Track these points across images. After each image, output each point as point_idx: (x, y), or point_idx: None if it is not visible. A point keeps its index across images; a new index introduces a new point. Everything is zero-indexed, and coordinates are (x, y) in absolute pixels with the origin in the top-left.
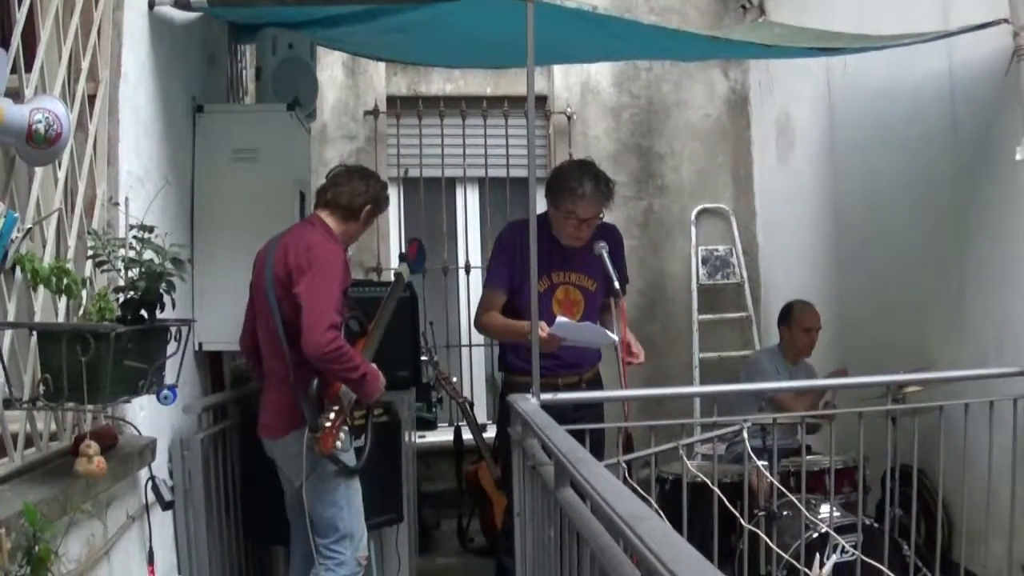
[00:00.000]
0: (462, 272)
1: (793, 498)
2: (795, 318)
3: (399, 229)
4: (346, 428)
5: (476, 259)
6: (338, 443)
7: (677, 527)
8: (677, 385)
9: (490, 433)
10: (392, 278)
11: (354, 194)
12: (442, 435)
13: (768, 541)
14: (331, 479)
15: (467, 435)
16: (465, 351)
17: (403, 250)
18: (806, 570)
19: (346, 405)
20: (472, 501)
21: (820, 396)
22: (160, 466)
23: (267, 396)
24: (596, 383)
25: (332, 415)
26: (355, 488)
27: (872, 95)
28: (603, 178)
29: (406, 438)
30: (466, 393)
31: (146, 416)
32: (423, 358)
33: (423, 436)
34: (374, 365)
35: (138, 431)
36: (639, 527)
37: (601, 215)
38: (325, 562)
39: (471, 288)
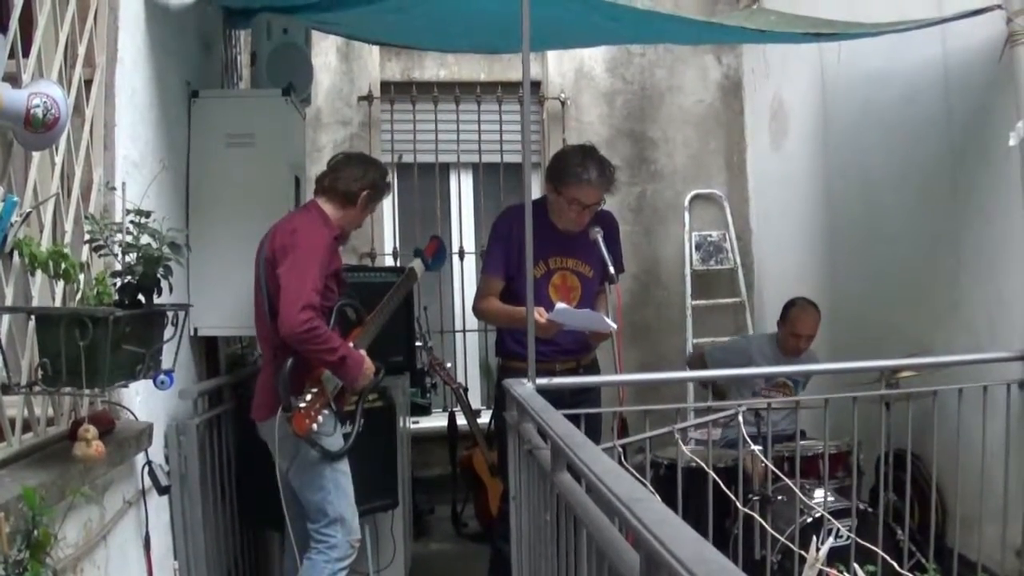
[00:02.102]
0: (456, 258)
1: (789, 482)
2: (788, 319)
3: (393, 214)
4: (326, 412)
5: (470, 245)
6: (314, 426)
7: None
8: (670, 370)
9: (484, 419)
10: (394, 271)
11: (351, 180)
12: (436, 421)
13: (764, 524)
14: (316, 463)
15: (461, 421)
16: (459, 337)
17: (421, 246)
18: (802, 552)
19: (329, 390)
20: (466, 486)
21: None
22: (156, 451)
23: (259, 378)
24: (593, 369)
25: (309, 397)
26: (342, 472)
27: (866, 81)
28: (606, 163)
29: (400, 423)
30: (460, 379)
31: (142, 401)
32: (417, 344)
33: (417, 422)
34: (363, 352)
35: (135, 416)
36: (637, 508)
37: (603, 200)
38: (317, 545)
39: (465, 274)
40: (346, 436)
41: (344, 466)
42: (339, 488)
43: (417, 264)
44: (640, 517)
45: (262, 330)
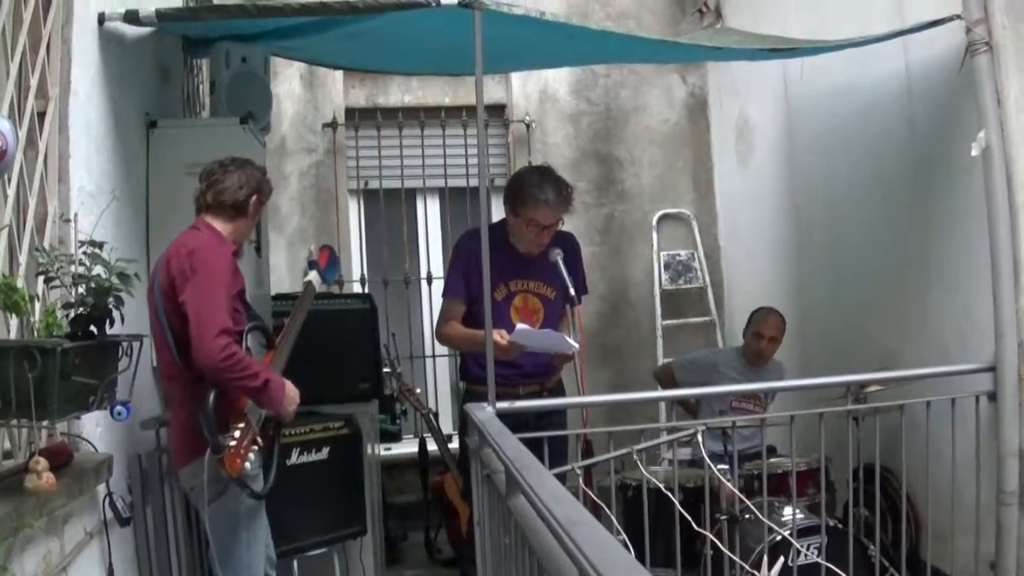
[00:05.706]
0: (424, 283)
1: (750, 504)
2: (751, 321)
3: (360, 241)
4: (255, 448)
5: (438, 269)
6: (247, 465)
7: (642, 533)
8: (642, 391)
9: (455, 444)
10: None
11: (236, 189)
12: (407, 447)
13: (724, 548)
14: (237, 506)
15: (432, 446)
16: (429, 362)
17: (313, 256)
18: (756, 574)
19: (253, 423)
20: (438, 512)
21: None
22: (118, 482)
23: (172, 423)
24: (558, 391)
25: (237, 434)
26: (260, 517)
27: (830, 95)
28: (563, 184)
29: (369, 450)
30: (431, 404)
31: (102, 432)
32: (386, 370)
33: (388, 448)
34: (283, 379)
35: (94, 447)
36: (575, 532)
37: (561, 221)
38: None
39: (433, 299)
40: (265, 472)
41: (261, 511)
42: (252, 534)
43: (314, 276)
44: (576, 541)
45: (167, 369)
